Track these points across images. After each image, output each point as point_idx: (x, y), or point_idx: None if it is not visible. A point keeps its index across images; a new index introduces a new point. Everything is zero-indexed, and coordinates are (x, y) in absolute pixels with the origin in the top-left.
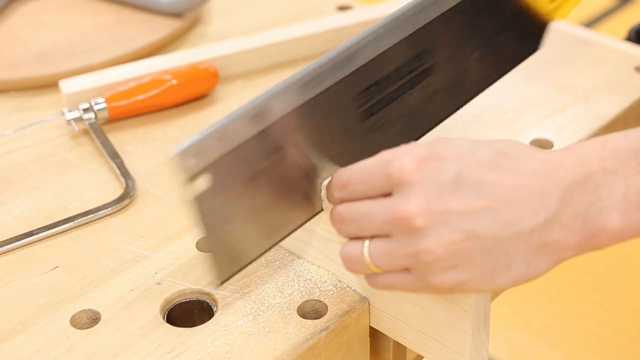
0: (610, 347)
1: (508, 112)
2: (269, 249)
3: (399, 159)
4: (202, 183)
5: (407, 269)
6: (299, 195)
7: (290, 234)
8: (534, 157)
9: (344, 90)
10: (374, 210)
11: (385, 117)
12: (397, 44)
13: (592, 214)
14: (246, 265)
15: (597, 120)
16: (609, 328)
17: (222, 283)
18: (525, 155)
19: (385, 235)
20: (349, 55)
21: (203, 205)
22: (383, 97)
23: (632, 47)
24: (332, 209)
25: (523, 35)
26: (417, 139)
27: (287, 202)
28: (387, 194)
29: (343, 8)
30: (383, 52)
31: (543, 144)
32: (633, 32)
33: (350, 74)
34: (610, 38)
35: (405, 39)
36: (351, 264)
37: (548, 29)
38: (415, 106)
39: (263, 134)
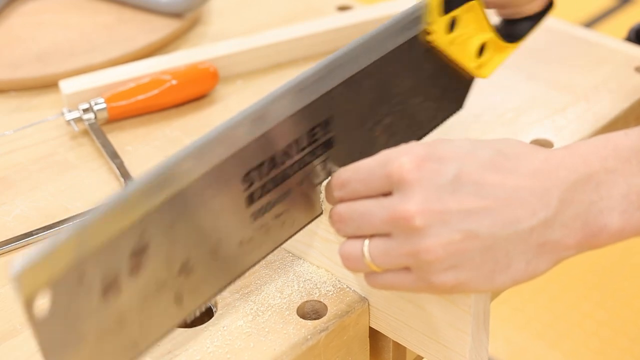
0: (610, 346)
1: (508, 112)
2: None
3: (398, 159)
4: (42, 304)
5: (407, 268)
6: (168, 297)
7: (157, 341)
8: (534, 156)
9: (226, 172)
10: (373, 210)
11: (273, 202)
12: (288, 117)
13: (593, 213)
14: None
15: (597, 120)
16: (608, 328)
17: None
18: (526, 155)
19: (384, 235)
20: (231, 135)
21: (43, 331)
22: (270, 179)
23: (632, 47)
24: (332, 208)
25: (444, 95)
26: (315, 218)
27: (153, 307)
28: (387, 194)
29: (343, 8)
30: (271, 129)
31: (543, 144)
32: (633, 32)
33: (235, 153)
34: (610, 38)
35: (298, 111)
36: (350, 263)
37: (472, 86)
38: (307, 187)
39: (125, 235)
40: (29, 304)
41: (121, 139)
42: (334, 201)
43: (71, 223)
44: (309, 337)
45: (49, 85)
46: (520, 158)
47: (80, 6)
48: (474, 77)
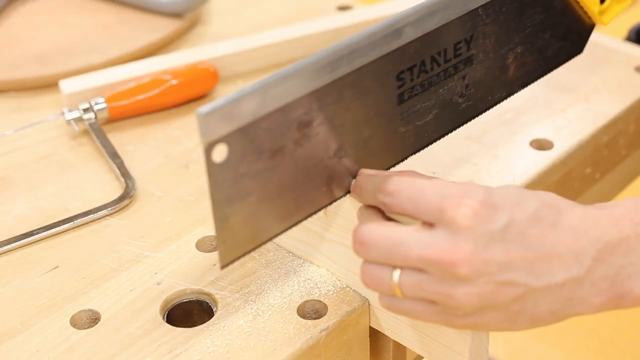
0: (610, 346)
1: (508, 112)
2: (281, 232)
3: (459, 199)
4: (220, 152)
5: (432, 301)
6: (321, 177)
7: (306, 218)
8: (572, 212)
9: (384, 67)
10: (412, 242)
11: (418, 105)
12: (440, 27)
13: (621, 277)
14: (255, 249)
15: (597, 120)
16: (608, 327)
17: (225, 265)
18: (565, 210)
19: (417, 269)
20: (395, 30)
21: (216, 177)
22: (418, 83)
23: (632, 47)
24: (357, 228)
25: (567, 36)
26: (446, 134)
27: (308, 183)
28: (425, 223)
29: (343, 8)
30: (428, 33)
31: (543, 144)
32: (633, 32)
33: (395, 50)
34: (610, 38)
35: (449, 23)
36: (374, 286)
37: (591, 32)
38: (447, 98)
39: (294, 106)
40: (209, 148)
41: (121, 138)
42: (372, 201)
43: (256, 82)
44: (309, 336)
45: (49, 85)
46: (561, 212)
47: (80, 6)
48: (594, 24)
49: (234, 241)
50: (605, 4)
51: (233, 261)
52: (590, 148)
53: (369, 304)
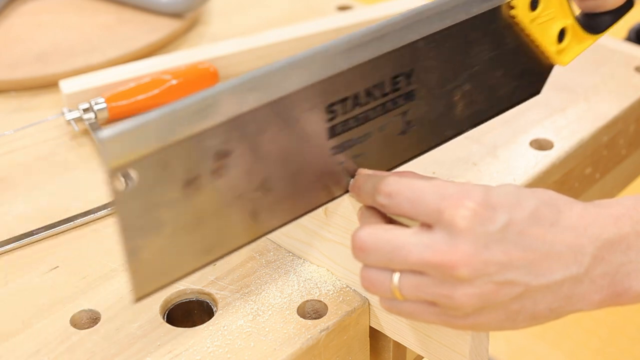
0: (610, 346)
1: (508, 112)
2: (202, 267)
3: (458, 200)
4: (128, 179)
5: (432, 302)
6: (244, 210)
7: (231, 252)
8: (571, 210)
9: (311, 99)
10: (411, 246)
11: (353, 141)
12: (374, 59)
13: (620, 274)
14: (173, 282)
15: (597, 120)
16: (608, 327)
17: (139, 299)
18: (564, 208)
19: (417, 272)
20: (324, 58)
21: (124, 206)
22: (353, 117)
23: (632, 47)
24: (355, 233)
25: (523, 75)
26: (391, 169)
27: (229, 216)
28: (424, 224)
29: (343, 8)
30: (361, 64)
31: (543, 144)
32: (633, 32)
33: (323, 81)
34: (610, 38)
35: (384, 55)
36: (373, 290)
37: (550, 72)
38: (386, 135)
39: (208, 134)
40: (112, 175)
41: None
42: (371, 202)
43: (166, 105)
44: (309, 336)
45: (49, 85)
46: (560, 210)
47: (80, 6)
48: (553, 64)
49: (148, 274)
50: (564, 43)
51: (149, 295)
52: (590, 148)
53: (369, 304)
